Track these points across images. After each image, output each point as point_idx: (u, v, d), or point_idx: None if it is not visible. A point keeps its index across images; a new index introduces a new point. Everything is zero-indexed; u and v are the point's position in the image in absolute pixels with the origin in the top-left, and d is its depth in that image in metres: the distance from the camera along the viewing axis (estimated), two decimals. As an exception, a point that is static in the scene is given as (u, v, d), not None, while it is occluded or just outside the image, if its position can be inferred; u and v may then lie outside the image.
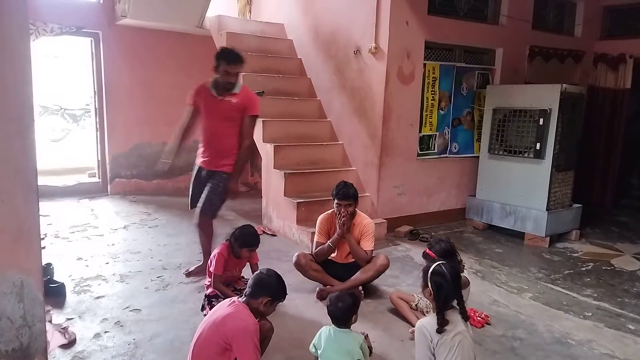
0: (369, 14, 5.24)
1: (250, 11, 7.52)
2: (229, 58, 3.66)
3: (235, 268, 3.47)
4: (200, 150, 3.92)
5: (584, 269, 4.65)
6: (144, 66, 6.86)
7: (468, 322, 2.42)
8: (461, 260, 3.22)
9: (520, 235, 5.43)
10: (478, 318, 3.35)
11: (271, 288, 2.40)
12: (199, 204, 3.79)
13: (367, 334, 2.85)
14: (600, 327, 3.43)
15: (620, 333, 3.35)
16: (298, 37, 6.63)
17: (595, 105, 6.96)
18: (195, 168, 3.96)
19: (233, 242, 3.33)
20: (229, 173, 3.80)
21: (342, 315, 2.52)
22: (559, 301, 3.84)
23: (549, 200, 5.21)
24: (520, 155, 5.39)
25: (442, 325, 2.26)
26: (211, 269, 3.35)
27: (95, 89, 6.80)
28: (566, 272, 4.54)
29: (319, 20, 6.17)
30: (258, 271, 2.55)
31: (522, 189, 5.40)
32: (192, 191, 3.95)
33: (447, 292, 2.31)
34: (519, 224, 5.43)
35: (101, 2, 6.55)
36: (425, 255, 3.11)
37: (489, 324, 3.36)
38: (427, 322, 2.35)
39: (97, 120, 6.88)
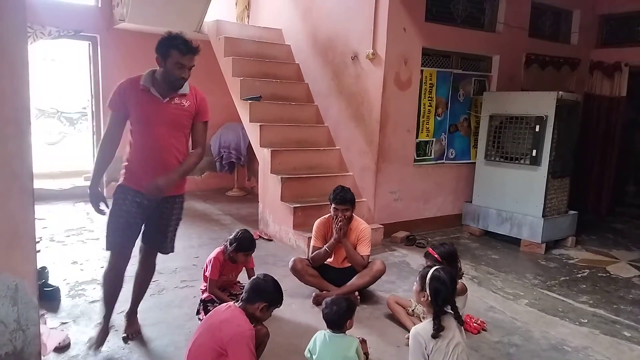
0: (367, 20, 5.26)
1: (248, 16, 7.55)
2: (184, 47, 2.74)
3: (231, 273, 3.46)
4: (135, 167, 2.84)
5: (579, 275, 4.66)
6: (141, 70, 6.72)
7: (462, 328, 2.42)
8: (461, 268, 3.21)
9: (516, 242, 5.44)
10: (474, 324, 3.34)
11: (268, 293, 2.40)
12: (152, 241, 2.97)
13: (365, 340, 2.84)
14: (596, 333, 3.43)
15: (616, 340, 3.35)
16: (296, 43, 6.65)
17: (591, 112, 7.00)
18: (125, 192, 2.83)
19: (229, 247, 3.32)
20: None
21: (337, 320, 2.52)
22: (554, 308, 3.85)
23: (545, 206, 5.23)
24: (517, 161, 5.41)
25: (438, 330, 2.25)
26: (207, 274, 3.34)
27: (93, 93, 6.80)
28: (562, 278, 4.55)
29: (317, 26, 6.19)
30: (255, 276, 2.55)
31: (518, 196, 5.41)
32: (120, 224, 2.84)
33: (444, 297, 2.31)
34: (515, 230, 5.44)
35: (99, 5, 6.56)
36: (427, 254, 3.11)
37: (485, 330, 3.36)
38: (422, 328, 2.34)
39: (94, 123, 6.88)
